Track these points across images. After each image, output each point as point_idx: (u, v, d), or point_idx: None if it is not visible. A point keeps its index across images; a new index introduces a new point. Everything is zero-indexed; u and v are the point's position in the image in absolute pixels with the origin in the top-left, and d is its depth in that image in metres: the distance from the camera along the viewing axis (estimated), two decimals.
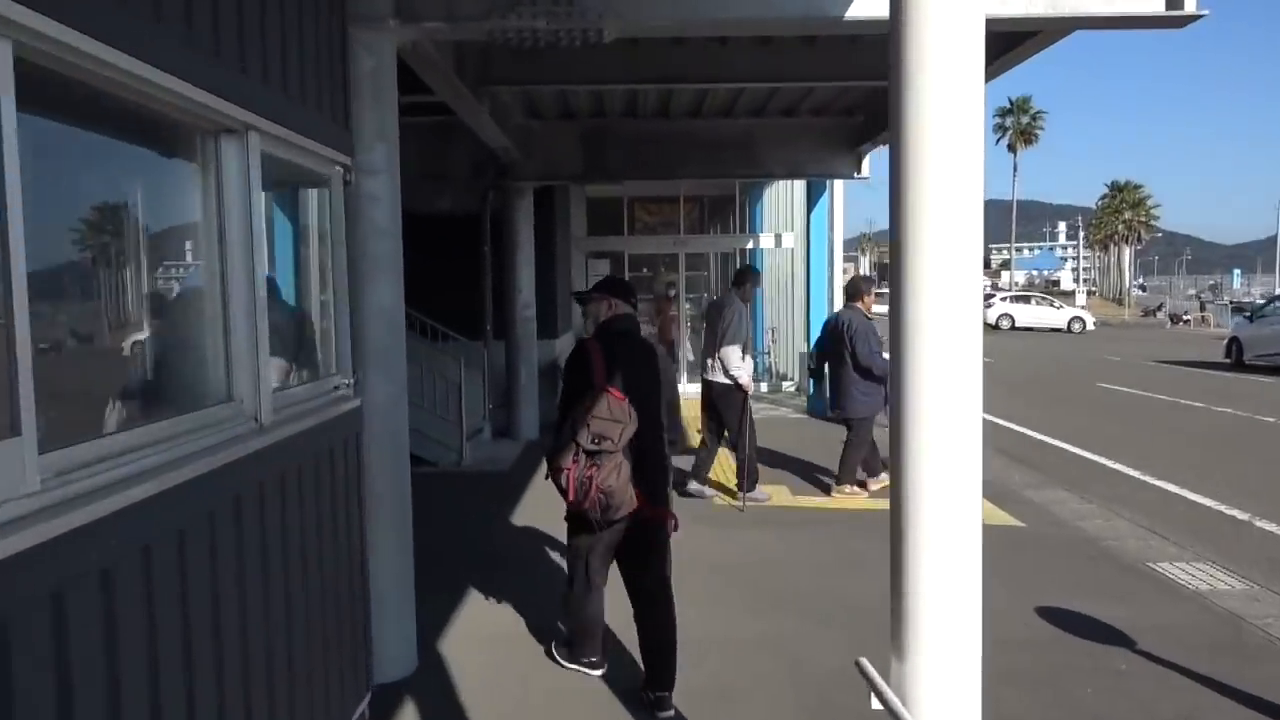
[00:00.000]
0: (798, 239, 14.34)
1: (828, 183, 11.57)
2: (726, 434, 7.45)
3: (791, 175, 11.13)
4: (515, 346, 10.49)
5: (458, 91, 6.72)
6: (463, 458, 9.06)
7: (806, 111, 10.34)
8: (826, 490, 7.71)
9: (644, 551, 3.85)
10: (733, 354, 7.11)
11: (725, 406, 7.30)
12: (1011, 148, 66.81)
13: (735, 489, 7.36)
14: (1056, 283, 78.14)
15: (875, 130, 9.98)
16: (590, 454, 3.57)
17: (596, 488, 3.55)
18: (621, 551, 3.89)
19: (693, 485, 7.50)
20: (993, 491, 7.55)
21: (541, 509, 7.30)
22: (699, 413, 7.64)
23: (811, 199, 11.62)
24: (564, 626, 4.33)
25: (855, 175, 10.62)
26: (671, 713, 3.71)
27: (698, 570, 5.50)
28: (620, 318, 3.91)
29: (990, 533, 2.59)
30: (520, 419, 10.56)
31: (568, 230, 13.05)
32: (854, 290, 7.76)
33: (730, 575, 5.62)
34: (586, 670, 4.12)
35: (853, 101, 10.12)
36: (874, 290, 8.10)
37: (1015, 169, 67.18)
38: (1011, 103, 67.35)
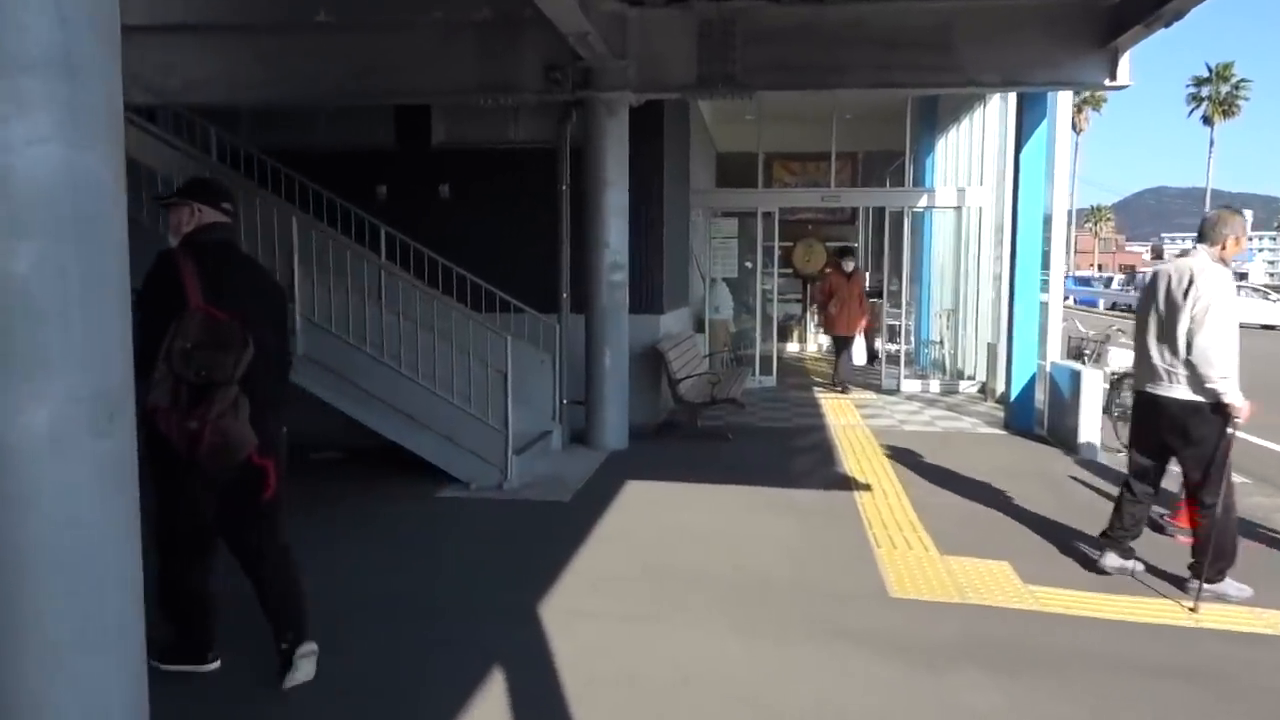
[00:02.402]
0: (989, 195, 10.88)
1: (1048, 105, 8.11)
2: (1187, 482, 4.42)
3: (1009, 84, 7.66)
4: (598, 321, 7.67)
5: None
6: (507, 476, 6.32)
7: None
8: (1093, 567, 4.61)
9: (249, 508, 3.25)
10: (1217, 353, 4.09)
11: (1192, 436, 4.27)
12: (1208, 120, 58.68)
13: (1187, 577, 4.38)
14: (1244, 275, 69.31)
15: (1144, 9, 6.53)
16: (197, 389, 2.94)
17: (211, 429, 2.92)
18: (222, 510, 3.28)
19: (1111, 560, 4.59)
20: None
21: (612, 571, 4.64)
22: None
23: (1022, 131, 8.18)
24: (166, 626, 3.31)
25: (1108, 83, 7.14)
26: (314, 646, 3.34)
27: None
28: (213, 226, 3.22)
29: None
30: (602, 421, 7.74)
31: (684, 176, 10.11)
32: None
33: None
34: (195, 667, 3.35)
35: None
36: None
37: (1212, 145, 59.05)
38: (1211, 70, 59.15)
